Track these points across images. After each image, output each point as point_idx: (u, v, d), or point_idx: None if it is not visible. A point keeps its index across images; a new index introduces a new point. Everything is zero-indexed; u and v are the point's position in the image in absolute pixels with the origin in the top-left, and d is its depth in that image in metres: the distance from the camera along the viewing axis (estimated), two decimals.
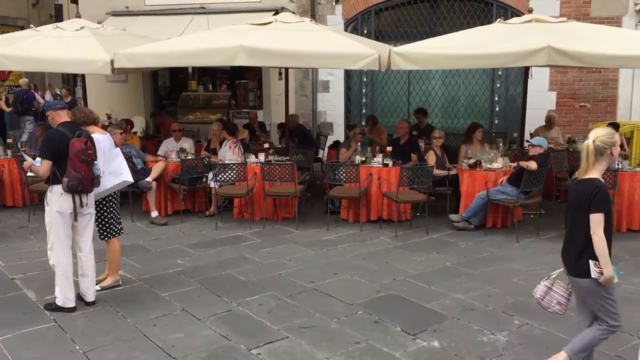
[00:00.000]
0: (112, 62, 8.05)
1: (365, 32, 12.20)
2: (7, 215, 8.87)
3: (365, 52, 7.54)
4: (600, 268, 3.68)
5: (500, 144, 8.74)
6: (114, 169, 5.49)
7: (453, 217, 8.06)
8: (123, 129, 8.69)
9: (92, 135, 5.39)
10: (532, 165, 7.36)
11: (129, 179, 5.61)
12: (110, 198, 5.60)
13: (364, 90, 12.79)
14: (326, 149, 11.29)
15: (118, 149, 5.72)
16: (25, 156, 5.44)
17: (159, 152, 9.38)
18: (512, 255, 6.85)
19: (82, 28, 9.04)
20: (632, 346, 4.55)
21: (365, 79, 12.71)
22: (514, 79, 11.93)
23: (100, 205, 5.54)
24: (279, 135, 11.43)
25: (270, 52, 7.68)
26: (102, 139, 5.47)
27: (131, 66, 8.30)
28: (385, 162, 8.30)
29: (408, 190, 8.03)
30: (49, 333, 4.85)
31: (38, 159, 5.06)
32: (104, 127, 6.75)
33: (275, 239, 7.60)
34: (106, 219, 5.61)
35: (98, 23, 10.13)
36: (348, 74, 12.61)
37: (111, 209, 5.63)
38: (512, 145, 9.91)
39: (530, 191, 7.65)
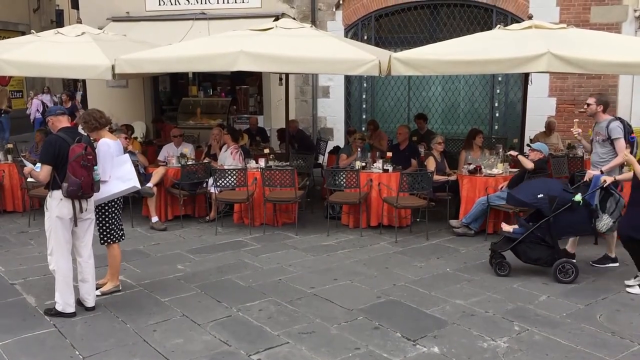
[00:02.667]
0: (113, 67, 8.07)
1: (366, 37, 12.23)
2: (7, 220, 8.88)
3: (366, 58, 7.56)
4: None
5: (500, 150, 8.75)
6: (122, 174, 5.49)
7: (453, 222, 8.06)
8: (125, 134, 8.72)
9: (102, 139, 5.41)
10: (528, 163, 7.35)
11: (137, 185, 5.63)
12: (112, 203, 5.60)
13: (364, 96, 12.81)
14: (326, 155, 11.30)
15: (127, 154, 5.73)
16: (26, 162, 5.45)
17: (159, 158, 9.39)
18: (512, 260, 6.83)
19: (83, 33, 9.06)
20: (631, 352, 4.55)
21: (365, 85, 12.73)
22: (513, 85, 11.95)
23: (103, 210, 5.54)
24: (278, 141, 11.45)
25: (271, 58, 7.69)
26: (111, 144, 5.48)
27: (132, 71, 8.31)
28: (385, 167, 8.31)
29: (408, 196, 8.03)
30: (49, 338, 4.85)
31: (38, 164, 5.07)
32: None
33: (275, 244, 7.60)
34: (107, 224, 5.60)
35: (99, 28, 10.18)
36: (348, 79, 12.63)
37: (113, 214, 5.62)
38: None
39: None
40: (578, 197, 5.97)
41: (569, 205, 6.00)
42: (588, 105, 6.72)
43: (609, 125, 6.45)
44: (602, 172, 6.26)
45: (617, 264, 6.60)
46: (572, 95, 11.66)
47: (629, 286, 5.86)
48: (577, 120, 7.31)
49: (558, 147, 10.17)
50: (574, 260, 6.25)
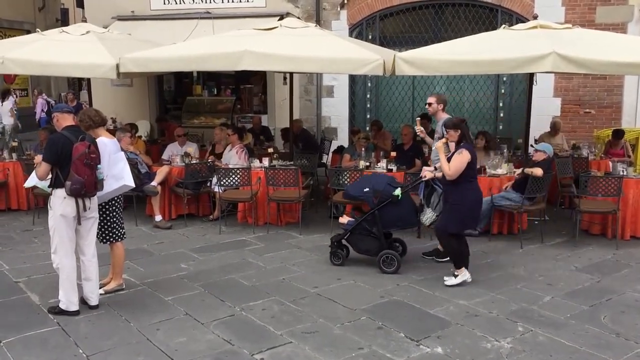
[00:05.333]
0: (117, 66, 8.08)
1: (370, 37, 12.23)
2: (11, 218, 8.91)
3: (370, 57, 7.55)
4: None
5: (505, 150, 8.71)
6: (116, 173, 5.49)
7: None
8: (130, 133, 8.73)
9: (98, 138, 5.41)
10: (538, 172, 7.33)
11: (130, 183, 5.61)
12: (113, 202, 5.60)
13: (368, 96, 12.81)
14: (330, 154, 11.29)
15: (122, 153, 5.72)
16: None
17: (163, 157, 9.40)
18: (516, 261, 6.82)
19: (87, 32, 9.08)
20: (636, 354, 4.53)
21: (369, 84, 12.72)
22: (518, 85, 11.92)
23: (103, 209, 5.54)
24: (282, 140, 11.45)
25: (275, 57, 7.69)
26: (108, 143, 5.48)
27: (136, 70, 8.31)
28: (389, 167, 8.30)
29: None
30: (53, 337, 4.86)
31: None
32: (110, 131, 6.74)
33: (278, 243, 7.60)
34: (108, 223, 5.60)
35: (104, 27, 10.19)
36: (352, 79, 12.63)
37: (114, 213, 5.63)
38: (517, 151, 9.89)
39: (535, 197, 7.63)
40: (397, 192, 6.28)
41: (391, 200, 6.26)
42: (429, 104, 6.97)
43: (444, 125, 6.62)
44: (435, 169, 6.38)
45: (447, 258, 6.63)
46: (577, 95, 11.63)
47: (447, 285, 5.99)
48: (418, 118, 7.53)
49: (563, 147, 10.15)
50: (397, 252, 6.51)
